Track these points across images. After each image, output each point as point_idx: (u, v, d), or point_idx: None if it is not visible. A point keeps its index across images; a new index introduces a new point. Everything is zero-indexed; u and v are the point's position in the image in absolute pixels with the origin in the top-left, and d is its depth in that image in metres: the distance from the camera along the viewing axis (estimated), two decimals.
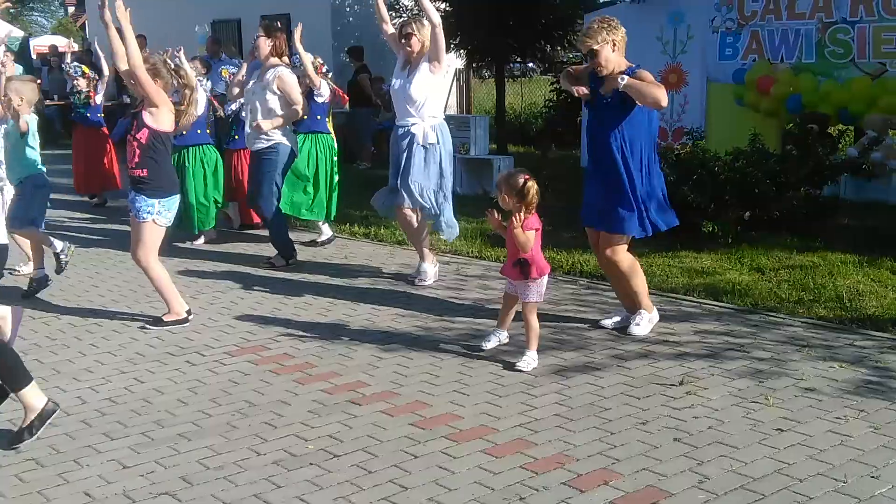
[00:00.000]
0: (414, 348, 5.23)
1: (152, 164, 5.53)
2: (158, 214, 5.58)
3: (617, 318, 5.55)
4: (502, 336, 5.16)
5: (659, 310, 5.91)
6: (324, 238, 8.40)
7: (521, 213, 4.80)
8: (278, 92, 7.20)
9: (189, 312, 5.82)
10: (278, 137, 7.30)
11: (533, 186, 4.81)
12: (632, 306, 5.50)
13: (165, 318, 5.75)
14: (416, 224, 6.73)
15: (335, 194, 8.27)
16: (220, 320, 5.90)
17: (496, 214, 4.94)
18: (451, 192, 6.83)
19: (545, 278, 4.94)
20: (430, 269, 6.84)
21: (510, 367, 4.86)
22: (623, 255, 5.36)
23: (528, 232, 4.83)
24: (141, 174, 5.53)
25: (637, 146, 5.19)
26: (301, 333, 5.57)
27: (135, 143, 5.51)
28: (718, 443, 3.86)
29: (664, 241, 7.66)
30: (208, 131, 8.43)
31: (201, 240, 8.53)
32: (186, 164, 8.19)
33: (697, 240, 7.71)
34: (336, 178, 8.25)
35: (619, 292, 5.61)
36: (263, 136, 7.26)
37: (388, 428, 4.08)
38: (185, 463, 3.76)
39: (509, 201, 4.84)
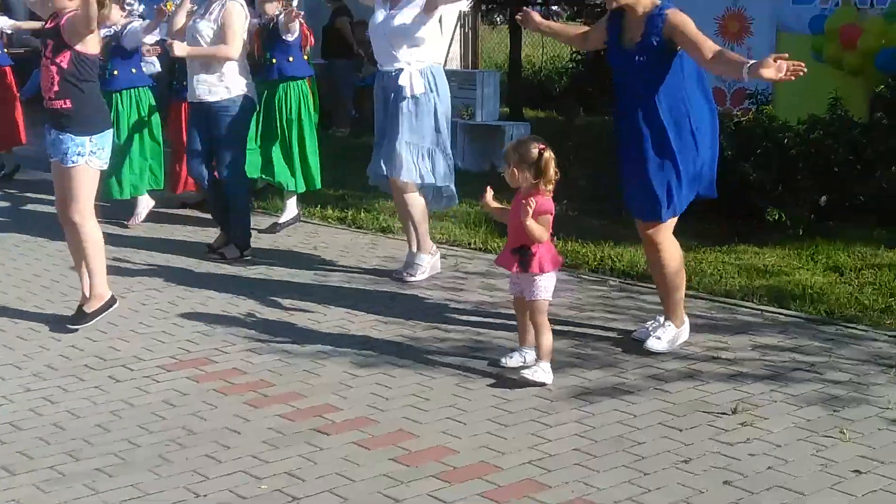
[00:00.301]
0: (398, 363, 5.23)
1: (77, 93, 5.53)
2: (91, 155, 5.58)
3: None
4: (528, 355, 5.12)
5: (710, 318, 5.92)
6: (286, 218, 8.39)
7: (539, 193, 4.79)
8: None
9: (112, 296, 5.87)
10: (237, 87, 7.29)
11: (552, 158, 4.83)
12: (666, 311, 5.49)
13: (88, 310, 5.76)
14: (414, 200, 6.70)
15: (314, 156, 8.24)
16: (154, 325, 5.90)
17: (490, 195, 4.95)
18: (451, 155, 6.82)
19: (554, 273, 4.96)
20: (427, 260, 6.84)
21: (518, 385, 4.86)
22: (669, 241, 5.35)
23: (543, 217, 4.82)
24: (63, 106, 5.52)
25: (679, 107, 5.17)
26: (255, 343, 5.56)
27: (53, 69, 5.50)
28: (780, 487, 3.86)
29: (717, 231, 7.66)
30: (144, 69, 8.42)
31: (138, 218, 8.53)
32: (119, 110, 8.20)
33: (760, 230, 7.68)
34: (311, 132, 8.21)
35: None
36: (220, 86, 7.23)
37: (363, 464, 4.08)
38: None
39: (519, 176, 4.85)
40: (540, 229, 4.82)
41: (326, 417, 4.55)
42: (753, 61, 4.81)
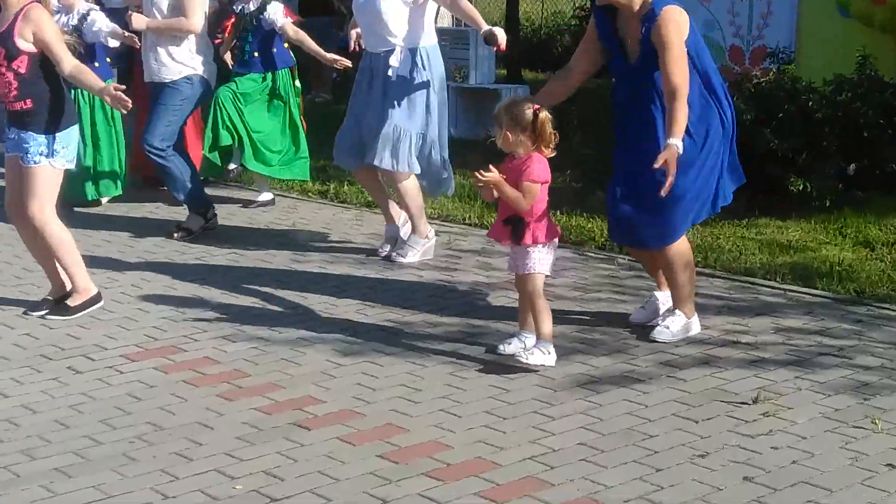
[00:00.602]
0: (386, 351, 5.22)
1: (38, 92, 5.56)
2: (55, 154, 5.59)
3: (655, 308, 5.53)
4: (528, 341, 5.12)
5: (729, 299, 5.93)
6: (262, 198, 8.40)
7: (533, 158, 4.79)
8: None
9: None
10: (194, 67, 7.35)
11: (548, 119, 4.85)
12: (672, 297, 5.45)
13: (72, 304, 5.78)
14: (408, 186, 6.69)
15: (299, 144, 8.31)
16: (117, 311, 5.88)
17: (491, 174, 4.85)
18: (446, 135, 6.83)
19: (552, 245, 4.96)
20: (422, 244, 6.84)
21: (518, 374, 4.86)
22: (681, 250, 5.33)
23: (529, 184, 4.80)
24: (24, 107, 5.55)
25: (701, 105, 5.12)
26: (228, 330, 5.55)
27: (9, 75, 5.50)
28: (805, 483, 3.86)
29: (736, 203, 7.62)
30: (108, 60, 8.37)
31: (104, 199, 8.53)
32: (81, 105, 8.16)
33: (782, 202, 7.68)
34: (298, 118, 8.29)
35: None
36: (175, 65, 7.29)
37: (348, 461, 4.07)
38: None
39: (513, 140, 4.85)
40: (517, 195, 4.79)
41: (307, 411, 4.54)
42: (676, 141, 4.84)
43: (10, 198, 5.74)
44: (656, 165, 4.81)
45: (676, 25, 5.03)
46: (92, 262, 6.73)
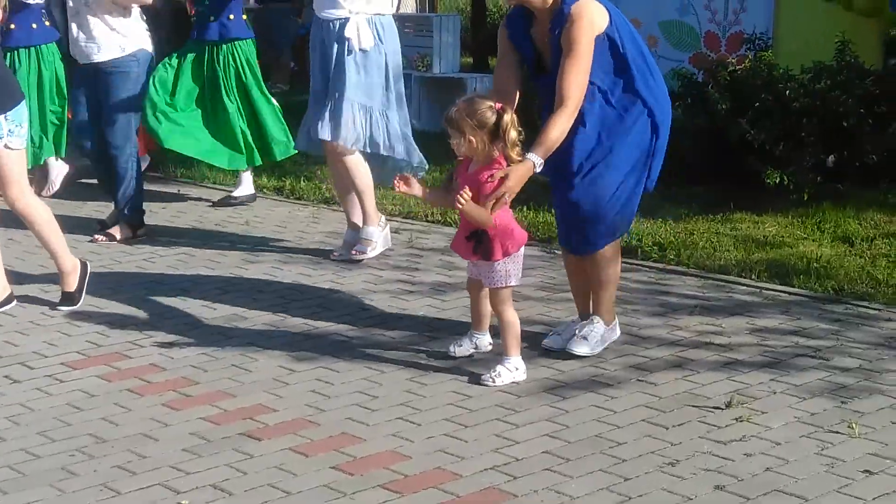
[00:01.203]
0: (341, 356, 5.22)
1: None
2: (9, 134, 5.66)
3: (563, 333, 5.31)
4: (481, 340, 5.15)
5: (702, 298, 5.95)
6: (240, 193, 8.36)
7: (498, 162, 4.72)
8: None
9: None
10: (133, 41, 7.20)
11: (513, 120, 4.70)
12: (586, 311, 5.32)
13: (70, 288, 5.95)
14: (356, 166, 6.67)
15: (274, 121, 8.17)
16: (57, 316, 5.86)
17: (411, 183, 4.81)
18: (407, 116, 6.82)
19: (520, 253, 4.91)
20: (377, 234, 6.83)
21: (480, 379, 4.86)
22: (611, 254, 5.21)
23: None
24: None
25: (630, 97, 4.97)
26: (175, 335, 5.53)
27: None
28: (779, 491, 3.87)
29: (710, 197, 7.68)
30: (46, 23, 8.32)
31: (53, 187, 8.50)
32: (17, 69, 8.11)
33: (758, 196, 7.71)
34: (265, 94, 8.17)
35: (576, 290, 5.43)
36: (112, 42, 7.11)
37: (300, 473, 4.07)
38: None
39: (476, 143, 4.71)
40: (483, 216, 4.67)
41: (258, 420, 4.53)
42: (536, 158, 4.67)
43: None
44: (493, 177, 4.66)
45: (589, 23, 4.81)
46: (29, 263, 6.72)
